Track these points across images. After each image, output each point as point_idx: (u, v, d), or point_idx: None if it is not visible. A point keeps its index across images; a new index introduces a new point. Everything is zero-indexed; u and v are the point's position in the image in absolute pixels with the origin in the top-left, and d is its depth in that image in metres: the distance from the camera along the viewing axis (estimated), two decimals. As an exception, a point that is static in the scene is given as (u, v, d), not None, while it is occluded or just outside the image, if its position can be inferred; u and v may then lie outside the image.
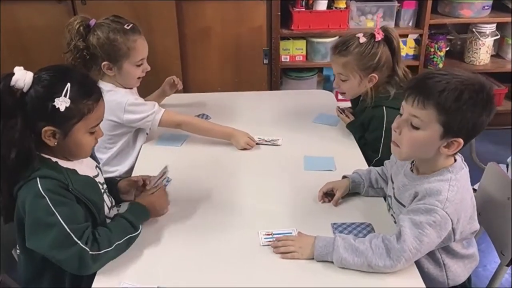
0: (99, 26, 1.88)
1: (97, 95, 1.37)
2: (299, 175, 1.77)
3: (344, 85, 1.96)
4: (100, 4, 2.97)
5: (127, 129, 1.97)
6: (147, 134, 2.05)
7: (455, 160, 1.36)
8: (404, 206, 1.38)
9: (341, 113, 2.12)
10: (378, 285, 1.27)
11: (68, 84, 1.29)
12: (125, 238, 1.38)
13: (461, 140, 1.27)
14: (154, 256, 1.39)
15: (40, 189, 1.28)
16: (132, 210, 1.47)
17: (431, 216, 1.26)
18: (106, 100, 1.92)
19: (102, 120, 1.42)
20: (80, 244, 1.27)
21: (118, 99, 1.89)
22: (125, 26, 1.88)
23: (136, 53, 1.90)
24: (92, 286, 1.29)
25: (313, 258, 1.34)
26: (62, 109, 1.28)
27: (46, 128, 1.30)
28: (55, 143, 1.33)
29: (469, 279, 1.51)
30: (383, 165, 1.65)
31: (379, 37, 1.87)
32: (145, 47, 1.94)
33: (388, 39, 1.89)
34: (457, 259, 1.43)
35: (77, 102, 1.31)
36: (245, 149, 1.94)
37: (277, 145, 1.98)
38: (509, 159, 2.00)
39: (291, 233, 1.44)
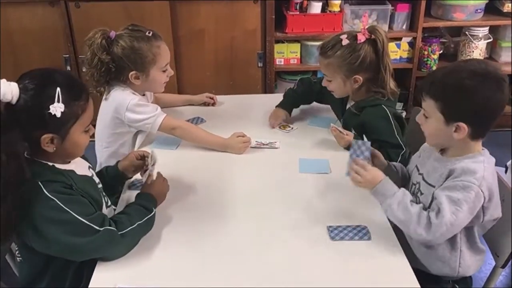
0: (121, 37, 1.89)
1: (86, 94, 1.37)
2: (294, 177, 1.77)
3: (330, 85, 1.96)
4: (94, 6, 2.96)
5: (128, 129, 1.96)
6: None
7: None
8: (433, 186, 1.44)
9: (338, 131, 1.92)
10: (373, 285, 1.28)
11: (58, 89, 1.27)
12: (145, 218, 1.42)
13: (463, 125, 1.35)
14: (150, 258, 1.39)
15: (46, 192, 1.28)
16: (141, 198, 1.51)
17: (467, 193, 1.33)
18: (112, 98, 1.90)
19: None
20: (104, 228, 1.31)
21: (124, 97, 1.90)
22: (147, 33, 1.90)
23: (161, 58, 1.93)
24: (88, 287, 1.29)
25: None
26: (58, 115, 1.27)
27: (44, 136, 1.29)
28: (54, 149, 1.33)
29: (470, 278, 1.54)
30: (409, 158, 1.70)
31: (362, 38, 1.84)
32: (168, 52, 1.98)
33: (374, 39, 1.85)
34: (471, 250, 1.47)
35: (70, 105, 1.30)
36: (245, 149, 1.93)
37: (275, 147, 1.97)
38: (509, 163, 2.00)
39: None
